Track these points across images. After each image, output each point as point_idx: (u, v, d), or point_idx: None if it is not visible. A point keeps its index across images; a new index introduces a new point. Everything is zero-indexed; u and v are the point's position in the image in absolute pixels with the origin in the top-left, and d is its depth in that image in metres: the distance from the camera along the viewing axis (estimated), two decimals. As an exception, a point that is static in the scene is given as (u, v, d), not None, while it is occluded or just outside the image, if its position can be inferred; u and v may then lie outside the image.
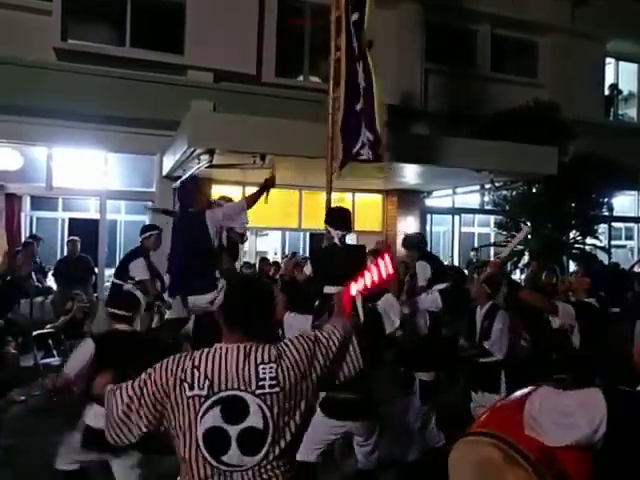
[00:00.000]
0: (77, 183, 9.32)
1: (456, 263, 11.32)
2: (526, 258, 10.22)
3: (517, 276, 10.48)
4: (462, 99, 10.44)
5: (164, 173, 8.99)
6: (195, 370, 1.90)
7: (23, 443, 4.81)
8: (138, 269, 5.84)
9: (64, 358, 6.59)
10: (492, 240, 11.94)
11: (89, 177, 9.31)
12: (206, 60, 9.36)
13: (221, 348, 1.96)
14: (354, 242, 10.20)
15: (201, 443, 1.86)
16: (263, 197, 4.90)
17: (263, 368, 1.91)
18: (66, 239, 9.20)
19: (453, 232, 11.93)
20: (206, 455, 1.86)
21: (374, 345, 3.58)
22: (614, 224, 12.90)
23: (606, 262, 10.33)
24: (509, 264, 10.16)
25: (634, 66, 13.78)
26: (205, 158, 6.84)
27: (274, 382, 1.90)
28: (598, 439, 1.87)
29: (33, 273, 8.39)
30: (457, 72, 11.08)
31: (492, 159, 7.77)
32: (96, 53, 9.01)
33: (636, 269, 9.46)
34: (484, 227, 12.61)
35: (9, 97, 8.18)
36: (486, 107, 10.20)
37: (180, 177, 8.41)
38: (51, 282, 8.89)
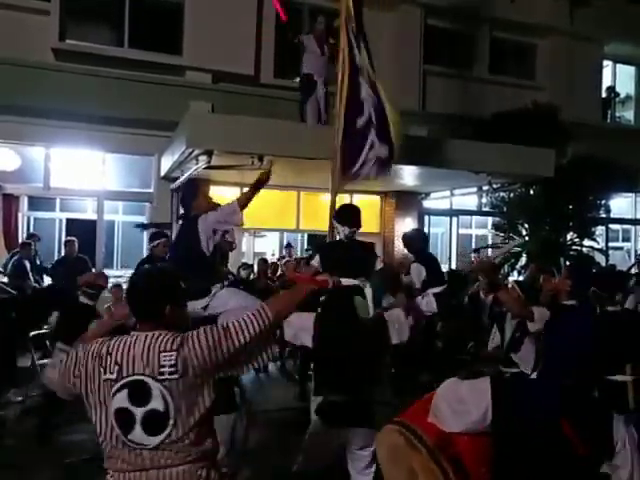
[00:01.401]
0: (75, 183, 9.31)
1: (454, 265, 11.34)
2: (524, 260, 10.24)
3: (514, 277, 10.51)
4: (460, 101, 10.47)
5: (162, 174, 8.99)
6: (108, 356, 2.08)
7: (21, 444, 4.80)
8: None
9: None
10: (490, 242, 11.96)
11: (87, 177, 9.31)
12: (204, 61, 9.37)
13: (132, 336, 2.14)
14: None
15: (113, 420, 2.05)
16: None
17: (164, 356, 2.07)
18: (63, 240, 9.18)
19: (451, 234, 11.95)
20: (118, 431, 2.05)
21: (377, 352, 3.59)
22: (611, 226, 12.92)
23: (603, 264, 10.35)
24: (506, 266, 10.19)
25: (631, 69, 13.84)
26: (203, 159, 6.84)
27: (173, 369, 2.05)
28: (488, 424, 2.14)
29: (30, 273, 8.39)
30: (456, 74, 11.10)
31: (490, 161, 7.79)
32: (94, 54, 9.01)
33: (633, 271, 9.48)
34: (482, 229, 12.63)
35: (7, 97, 8.18)
36: (484, 109, 10.23)
37: (178, 178, 8.42)
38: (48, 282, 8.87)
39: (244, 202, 4.42)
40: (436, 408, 2.20)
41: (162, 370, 2.05)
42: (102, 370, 2.07)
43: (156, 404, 2.03)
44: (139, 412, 2.03)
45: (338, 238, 4.35)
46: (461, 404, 2.19)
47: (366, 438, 3.58)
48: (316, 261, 4.20)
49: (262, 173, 4.78)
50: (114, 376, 2.05)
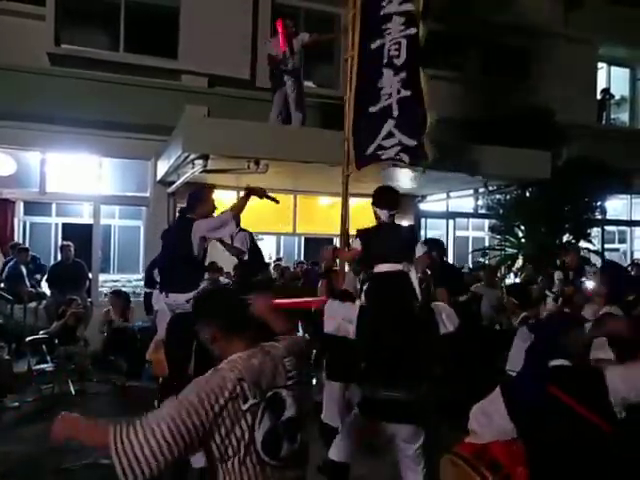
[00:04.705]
0: (71, 188, 9.29)
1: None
2: (520, 262, 10.26)
3: (512, 279, 10.53)
4: (455, 104, 10.48)
5: (158, 178, 8.98)
6: (243, 382, 1.94)
7: (17, 449, 4.77)
8: None
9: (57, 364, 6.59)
10: (486, 244, 11.99)
11: (83, 182, 9.28)
12: (200, 65, 9.37)
13: (246, 355, 2.04)
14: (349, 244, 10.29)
15: (259, 448, 1.94)
16: (269, 200, 4.99)
17: (287, 361, 2.09)
18: (60, 244, 9.16)
19: (447, 236, 11.96)
20: (263, 457, 1.94)
21: (426, 343, 3.37)
22: (607, 227, 12.98)
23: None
24: (503, 267, 10.22)
25: (626, 71, 13.89)
26: (199, 163, 6.84)
27: (294, 372, 2.10)
28: (512, 427, 2.23)
29: (27, 278, 8.38)
30: (450, 77, 11.12)
31: (486, 163, 7.80)
32: (90, 58, 9.00)
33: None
34: (479, 231, 12.66)
35: (2, 102, 8.16)
36: (479, 112, 10.26)
37: (174, 182, 8.41)
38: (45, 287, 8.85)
39: (236, 212, 4.47)
40: (471, 430, 2.36)
41: (289, 375, 2.08)
42: (241, 401, 1.92)
43: (291, 412, 2.04)
44: (281, 425, 2.01)
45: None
46: (487, 416, 2.32)
47: (411, 433, 3.40)
48: (357, 244, 4.05)
49: (257, 189, 4.81)
50: (257, 400, 1.96)
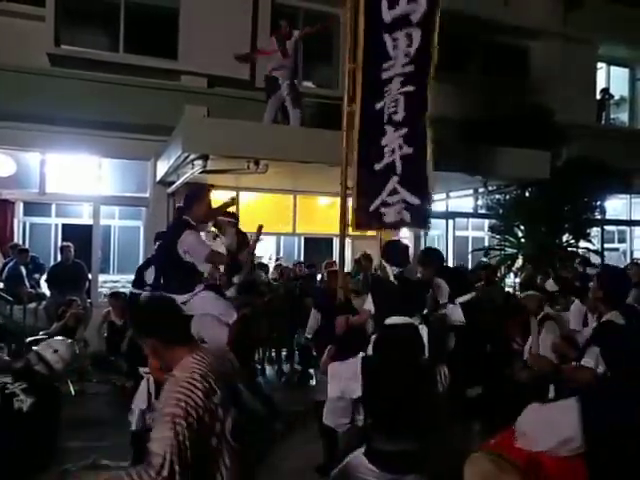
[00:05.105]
0: (70, 189, 9.29)
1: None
2: (520, 261, 10.25)
3: (511, 279, 10.53)
4: (455, 104, 10.48)
5: (158, 178, 8.99)
6: (209, 379, 2.05)
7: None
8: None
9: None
10: (486, 244, 11.98)
11: (82, 182, 9.29)
12: (200, 65, 9.37)
13: (198, 356, 2.13)
14: (349, 247, 10.31)
15: (229, 436, 2.11)
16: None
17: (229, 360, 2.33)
18: (59, 245, 9.16)
19: (447, 236, 11.96)
20: (232, 444, 2.12)
21: (432, 396, 3.34)
22: (607, 227, 12.98)
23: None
24: (503, 267, 10.21)
25: (625, 70, 13.90)
26: (199, 163, 6.84)
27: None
28: (581, 442, 2.10)
29: (26, 279, 8.38)
30: (450, 77, 11.11)
31: (485, 163, 7.80)
32: (89, 59, 9.00)
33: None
34: (478, 231, 12.65)
35: (2, 102, 8.16)
36: (479, 112, 10.25)
37: (174, 182, 8.42)
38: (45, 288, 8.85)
39: (213, 260, 4.52)
40: (523, 433, 2.25)
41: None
42: (214, 397, 2.06)
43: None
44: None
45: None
46: (548, 424, 2.21)
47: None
48: (369, 302, 4.13)
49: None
50: (221, 394, 2.09)
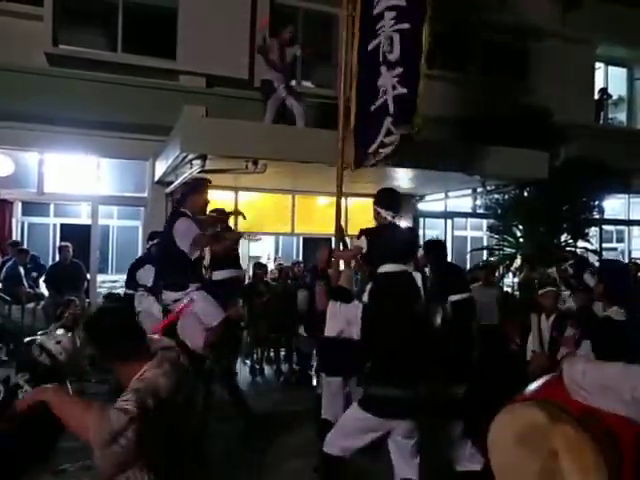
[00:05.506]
0: (69, 188, 9.28)
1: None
2: (518, 261, 10.26)
3: (510, 279, 10.54)
4: (454, 103, 10.49)
5: (156, 178, 8.98)
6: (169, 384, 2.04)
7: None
8: (147, 276, 5.83)
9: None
10: (485, 243, 11.99)
11: (81, 182, 9.28)
12: (198, 65, 9.36)
13: (155, 362, 2.07)
14: (348, 245, 10.27)
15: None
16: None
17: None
18: (58, 245, 9.15)
19: (446, 236, 11.97)
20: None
21: (428, 342, 3.49)
22: (605, 227, 13.00)
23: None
24: (501, 267, 10.22)
25: (623, 70, 13.92)
26: (197, 163, 6.83)
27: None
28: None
29: (24, 279, 8.37)
30: (448, 76, 11.13)
31: (484, 163, 7.80)
32: (88, 58, 8.98)
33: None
34: (477, 231, 12.66)
35: (0, 102, 8.15)
36: (478, 111, 10.26)
37: (172, 182, 8.41)
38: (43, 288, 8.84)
39: (199, 242, 4.43)
40: (578, 387, 1.90)
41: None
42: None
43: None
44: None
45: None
46: (610, 384, 1.88)
47: (410, 429, 3.46)
48: (363, 243, 4.00)
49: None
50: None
